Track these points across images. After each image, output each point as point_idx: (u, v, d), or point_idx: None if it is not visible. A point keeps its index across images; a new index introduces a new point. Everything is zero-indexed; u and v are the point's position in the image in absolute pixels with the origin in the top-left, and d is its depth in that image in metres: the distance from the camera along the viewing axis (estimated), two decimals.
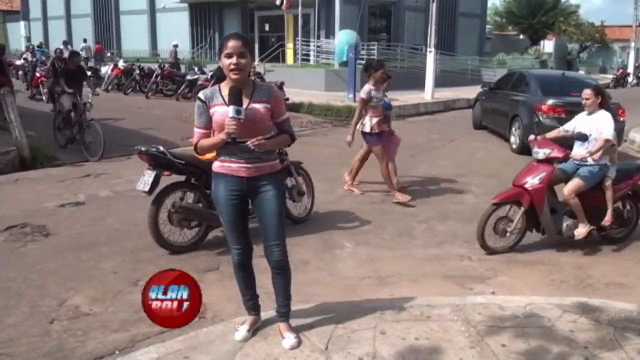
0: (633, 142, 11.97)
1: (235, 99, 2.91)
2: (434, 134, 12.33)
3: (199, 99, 3.07)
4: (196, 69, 17.71)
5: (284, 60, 23.81)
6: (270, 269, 3.25)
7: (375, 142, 6.74)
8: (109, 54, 27.48)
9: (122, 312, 3.88)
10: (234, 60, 2.92)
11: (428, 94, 17.84)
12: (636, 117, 14.86)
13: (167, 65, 18.36)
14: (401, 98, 16.96)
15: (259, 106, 3.01)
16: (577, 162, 5.16)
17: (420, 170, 8.62)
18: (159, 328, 3.63)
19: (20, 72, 20.36)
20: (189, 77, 16.86)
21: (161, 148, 5.12)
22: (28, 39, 32.01)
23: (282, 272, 3.22)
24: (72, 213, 6.22)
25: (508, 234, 5.14)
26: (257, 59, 20.84)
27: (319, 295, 4.15)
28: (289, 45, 23.92)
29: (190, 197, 5.18)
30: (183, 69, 20.75)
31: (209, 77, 15.88)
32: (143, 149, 5.01)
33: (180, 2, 28.00)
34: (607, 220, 5.20)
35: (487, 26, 36.99)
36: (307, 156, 7.09)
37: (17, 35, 32.42)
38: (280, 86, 11.54)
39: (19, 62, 21.73)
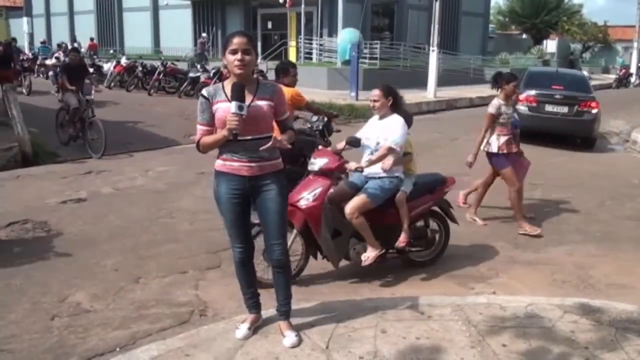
0: (635, 143, 11.95)
1: (237, 95, 2.89)
2: (436, 133, 12.31)
3: (202, 95, 3.06)
4: (198, 66, 17.70)
5: (286, 58, 23.77)
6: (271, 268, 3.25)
7: (503, 163, 5.90)
8: (111, 51, 27.48)
9: (123, 309, 3.89)
10: (238, 56, 2.91)
11: (430, 92, 17.82)
12: (638, 118, 14.80)
13: (169, 63, 18.34)
14: (404, 97, 16.95)
15: (262, 103, 3.00)
16: (366, 175, 4.42)
17: (422, 169, 8.57)
18: (160, 325, 3.65)
19: (51, 73, 18.50)
20: (191, 75, 16.85)
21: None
22: (31, 35, 32.00)
23: (282, 271, 3.22)
24: (74, 210, 6.22)
25: None
26: (259, 57, 20.82)
27: (320, 293, 4.15)
28: (292, 43, 23.89)
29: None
30: (186, 66, 20.73)
31: (211, 74, 15.90)
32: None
33: None
34: (402, 241, 4.45)
35: (490, 25, 36.95)
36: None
37: (20, 31, 32.39)
38: None
39: (49, 62, 20.95)
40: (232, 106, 2.86)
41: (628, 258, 5.17)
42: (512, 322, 3.47)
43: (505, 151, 5.86)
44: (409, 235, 4.49)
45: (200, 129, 3.08)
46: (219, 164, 3.11)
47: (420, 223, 4.77)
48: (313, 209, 4.10)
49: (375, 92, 4.67)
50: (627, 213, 6.65)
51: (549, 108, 11.06)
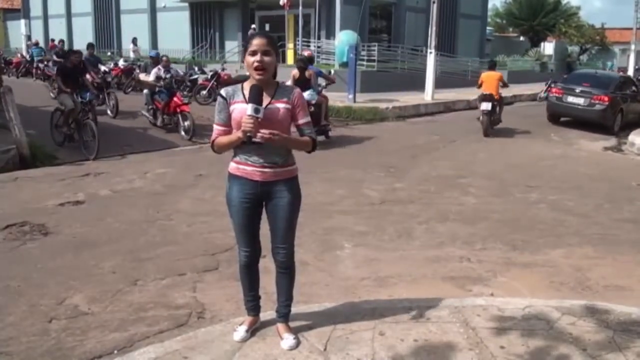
0: (633, 145, 11.98)
1: (255, 97, 2.86)
2: (434, 135, 12.33)
3: (220, 95, 3.05)
4: (196, 68, 17.71)
5: (284, 60, 23.79)
6: (274, 270, 3.25)
7: None
8: (109, 53, 27.46)
9: (121, 311, 3.88)
10: (257, 57, 2.87)
11: (428, 95, 17.84)
12: None
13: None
14: (401, 99, 16.99)
15: (279, 106, 2.97)
16: None
17: (421, 171, 8.63)
18: (157, 327, 3.65)
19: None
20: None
21: None
22: (28, 37, 31.94)
23: (286, 272, 3.22)
24: (72, 212, 6.22)
25: None
26: None
27: (318, 296, 4.15)
28: (290, 46, 23.92)
29: None
30: (183, 68, 20.72)
31: (209, 77, 15.91)
32: None
33: (180, 1, 28.03)
34: None
35: (488, 28, 37.00)
36: (306, 156, 7.09)
37: (18, 33, 32.32)
38: None
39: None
40: (249, 108, 2.84)
41: (626, 260, 5.18)
42: (510, 323, 3.48)
43: None
44: None
45: (216, 128, 3.06)
46: (232, 167, 3.09)
47: None
48: None
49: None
50: (625, 216, 6.67)
51: (570, 99, 14.20)
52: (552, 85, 15.98)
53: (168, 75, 11.81)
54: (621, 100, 14.26)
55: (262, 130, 2.84)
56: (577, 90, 14.09)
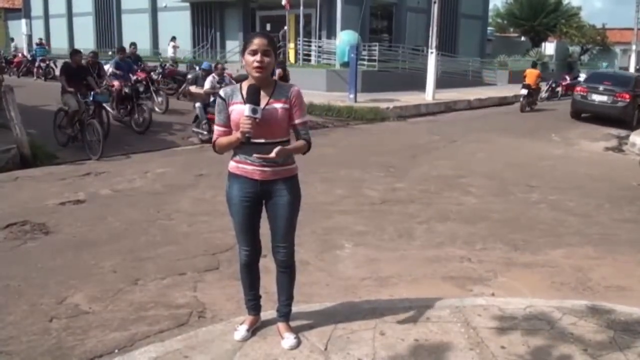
0: (634, 145, 11.98)
1: (252, 97, 2.86)
2: (434, 135, 12.34)
3: (219, 96, 3.05)
4: (197, 68, 17.70)
5: (285, 60, 23.78)
6: (274, 270, 3.25)
7: None
8: (110, 53, 27.45)
9: (121, 310, 3.88)
10: (258, 57, 2.87)
11: (429, 95, 17.84)
12: None
13: (167, 65, 18.33)
14: (402, 99, 16.99)
15: (277, 106, 2.97)
16: None
17: (421, 171, 8.62)
18: (158, 327, 3.65)
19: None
20: (190, 76, 16.84)
21: None
22: (29, 37, 31.97)
23: (286, 271, 3.22)
24: (73, 211, 6.22)
25: None
26: None
27: (318, 295, 4.15)
28: (291, 45, 23.91)
29: None
30: (184, 67, 20.72)
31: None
32: None
33: (181, 1, 27.99)
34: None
35: (489, 28, 36.97)
36: (306, 156, 7.05)
37: (19, 33, 32.33)
38: None
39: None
40: (246, 109, 2.84)
41: (627, 260, 5.17)
42: (511, 323, 3.48)
43: None
44: None
45: (217, 129, 3.07)
46: (232, 166, 3.09)
47: None
48: None
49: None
50: (625, 216, 6.66)
51: (594, 97, 15.66)
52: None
53: (222, 84, 10.64)
54: (638, 97, 15.79)
55: (264, 156, 2.90)
56: (601, 89, 15.53)
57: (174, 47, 23.09)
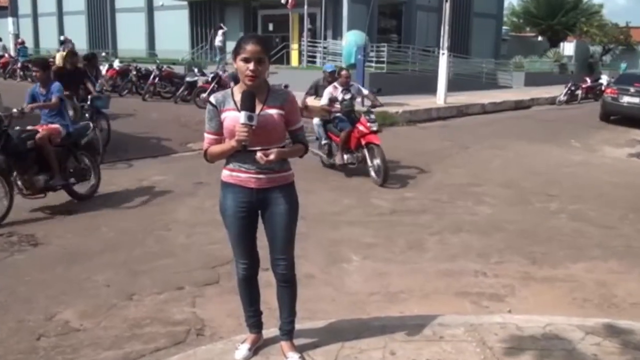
0: None
1: (247, 104, 2.87)
2: (446, 141, 12.32)
3: (210, 102, 3.05)
4: (196, 70, 17.77)
5: (288, 61, 23.88)
6: (275, 284, 3.24)
7: None
8: (103, 54, 27.61)
9: (115, 327, 3.87)
10: (251, 66, 2.86)
11: (440, 98, 17.82)
12: None
13: (164, 67, 18.39)
14: (412, 103, 16.99)
15: (272, 112, 2.97)
16: None
17: (433, 179, 8.61)
18: (154, 345, 3.64)
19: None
20: (188, 79, 16.92)
21: None
22: (16, 36, 32.12)
23: (287, 286, 3.21)
24: (63, 221, 6.23)
25: None
26: None
27: (324, 311, 4.13)
28: (294, 46, 24.00)
29: None
30: (182, 70, 20.80)
31: (209, 79, 15.96)
32: None
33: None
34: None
35: (504, 27, 37.03)
36: (312, 164, 7.05)
37: (5, 32, 32.46)
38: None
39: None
40: (242, 116, 2.84)
41: None
42: (530, 343, 3.45)
43: None
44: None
45: (207, 137, 3.06)
46: (225, 175, 3.09)
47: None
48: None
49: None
50: None
51: (625, 99, 16.16)
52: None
53: (347, 97, 8.77)
54: None
55: (259, 155, 2.88)
56: (632, 90, 16.06)
57: (224, 35, 22.99)
